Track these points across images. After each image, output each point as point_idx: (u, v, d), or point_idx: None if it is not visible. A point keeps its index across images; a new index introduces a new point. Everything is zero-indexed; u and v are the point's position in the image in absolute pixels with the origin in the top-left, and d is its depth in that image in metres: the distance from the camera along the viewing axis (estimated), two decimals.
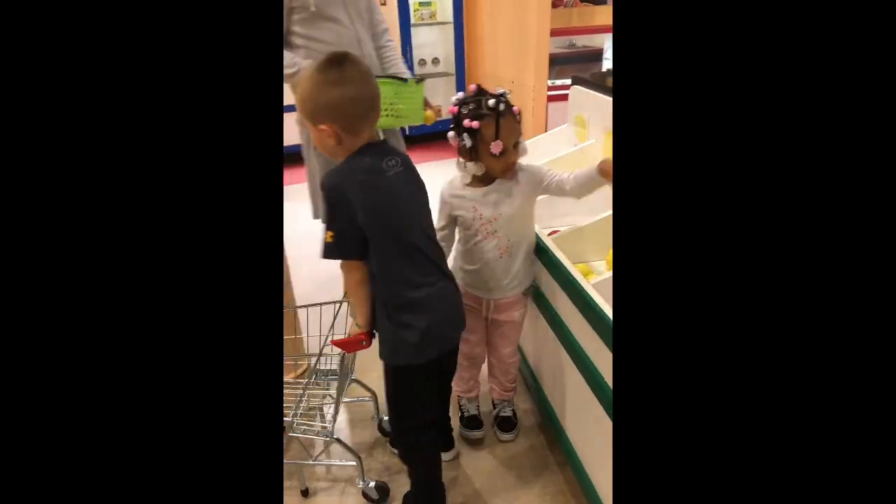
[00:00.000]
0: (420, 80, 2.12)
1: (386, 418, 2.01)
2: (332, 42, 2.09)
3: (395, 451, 1.90)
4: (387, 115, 2.07)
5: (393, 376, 1.52)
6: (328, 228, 1.35)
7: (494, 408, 2.05)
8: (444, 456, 1.85)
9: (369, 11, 2.23)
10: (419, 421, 1.58)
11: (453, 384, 1.89)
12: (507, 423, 1.99)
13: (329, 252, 1.37)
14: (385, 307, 1.42)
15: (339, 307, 1.82)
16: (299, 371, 2.24)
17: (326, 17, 2.07)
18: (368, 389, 2.04)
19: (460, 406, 2.05)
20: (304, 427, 1.70)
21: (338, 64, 1.30)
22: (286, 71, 2.13)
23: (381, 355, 1.49)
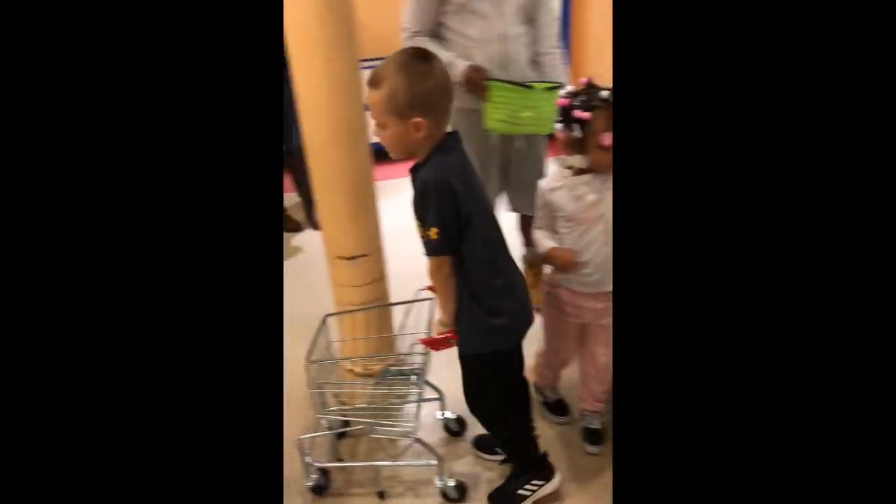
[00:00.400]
0: (555, 86, 2.03)
1: (449, 415, 1.99)
2: (475, 37, 2.05)
3: (485, 455, 1.89)
4: (506, 122, 2.03)
5: (479, 366, 1.54)
6: (432, 225, 1.32)
7: (583, 419, 1.96)
8: None
9: (532, 10, 2.14)
10: (509, 406, 1.63)
11: (531, 376, 1.92)
12: (594, 436, 1.90)
13: (436, 248, 1.35)
14: (475, 297, 1.43)
15: (415, 306, 1.79)
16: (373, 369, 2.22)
17: (472, 10, 2.04)
18: (435, 389, 2.00)
19: (542, 393, 2.03)
20: (386, 428, 1.68)
21: (423, 58, 1.30)
22: None
23: (469, 347, 1.50)
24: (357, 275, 1.93)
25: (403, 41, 2.12)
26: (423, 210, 1.32)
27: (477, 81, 2.03)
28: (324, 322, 1.76)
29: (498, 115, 2.04)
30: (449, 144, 1.36)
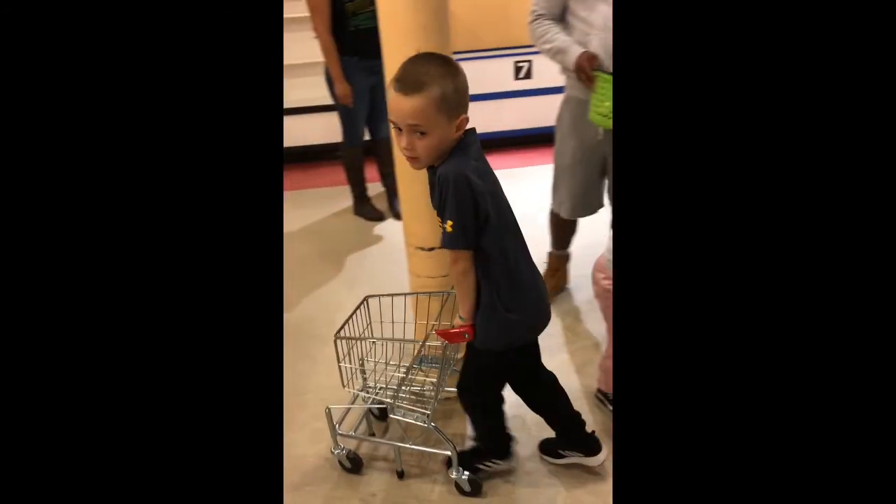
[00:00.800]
0: None
1: None
2: (594, 23, 1.99)
3: (550, 459, 1.90)
4: (608, 117, 1.97)
5: (486, 357, 1.56)
6: (448, 218, 1.35)
7: None
8: (594, 460, 1.80)
9: None
10: (499, 401, 1.71)
11: (600, 383, 2.03)
12: None
13: (452, 241, 1.37)
14: (495, 293, 1.44)
15: (447, 298, 1.83)
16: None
17: None
18: None
19: (611, 400, 2.01)
20: (405, 411, 1.74)
21: (445, 59, 1.32)
22: (545, 46, 2.10)
23: (484, 342, 1.51)
24: (434, 266, 1.99)
25: (528, 23, 2.12)
26: (441, 203, 1.34)
27: (586, 70, 1.97)
28: (364, 302, 1.84)
29: (602, 108, 1.96)
30: (467, 142, 1.37)
